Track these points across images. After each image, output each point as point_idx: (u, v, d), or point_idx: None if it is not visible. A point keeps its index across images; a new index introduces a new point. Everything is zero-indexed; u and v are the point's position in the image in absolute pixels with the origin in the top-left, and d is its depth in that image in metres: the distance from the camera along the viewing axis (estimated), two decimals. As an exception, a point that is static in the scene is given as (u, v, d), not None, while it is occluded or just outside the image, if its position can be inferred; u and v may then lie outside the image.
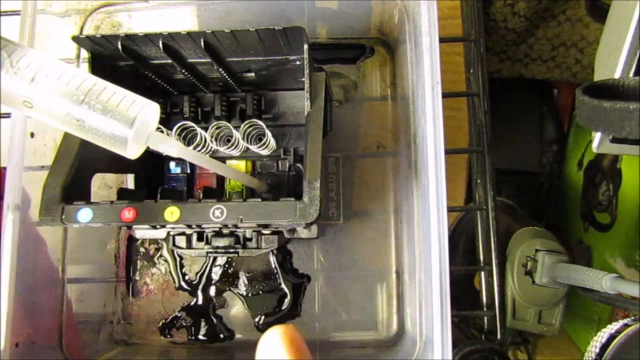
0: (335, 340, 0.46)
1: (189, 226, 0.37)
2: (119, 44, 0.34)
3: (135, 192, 0.41)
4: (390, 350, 0.44)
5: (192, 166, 0.43)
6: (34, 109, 0.24)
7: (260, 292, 0.47)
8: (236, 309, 0.47)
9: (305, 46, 0.34)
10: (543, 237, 0.45)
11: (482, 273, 0.42)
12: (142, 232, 0.41)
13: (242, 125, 0.39)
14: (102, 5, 0.44)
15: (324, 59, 0.49)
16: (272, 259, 0.47)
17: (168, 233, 0.40)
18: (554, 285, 0.43)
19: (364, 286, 0.47)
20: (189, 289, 0.48)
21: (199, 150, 0.39)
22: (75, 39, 0.34)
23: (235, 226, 0.38)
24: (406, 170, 0.42)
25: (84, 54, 0.42)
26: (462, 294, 0.52)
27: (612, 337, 0.34)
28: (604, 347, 0.34)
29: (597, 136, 0.37)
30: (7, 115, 0.39)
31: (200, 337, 0.47)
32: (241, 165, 0.42)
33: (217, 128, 0.39)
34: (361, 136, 0.49)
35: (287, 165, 0.42)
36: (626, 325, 0.34)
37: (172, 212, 0.31)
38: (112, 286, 0.48)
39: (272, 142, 0.40)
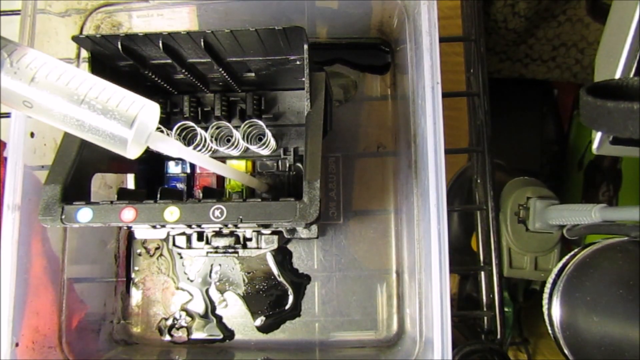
0: (335, 340, 0.46)
1: (189, 226, 0.37)
2: (119, 44, 0.34)
3: (135, 192, 0.41)
4: (390, 350, 0.44)
5: (192, 166, 0.43)
6: (33, 109, 0.24)
7: (260, 292, 0.47)
8: (236, 309, 0.47)
9: (305, 46, 0.34)
10: (534, 185, 0.46)
11: (482, 273, 0.42)
12: (142, 232, 0.41)
13: (242, 125, 0.39)
14: (102, 5, 0.44)
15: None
16: (272, 259, 0.47)
17: (168, 233, 0.40)
18: (548, 230, 0.44)
19: (364, 286, 0.47)
20: (189, 288, 0.48)
21: (199, 150, 0.39)
22: (75, 39, 0.34)
23: (235, 226, 0.38)
24: (406, 170, 0.42)
25: (84, 54, 0.42)
26: (460, 256, 0.52)
27: (571, 258, 0.36)
28: (564, 266, 0.35)
29: (597, 137, 0.37)
30: (7, 115, 0.39)
31: (200, 337, 0.47)
32: (241, 165, 0.42)
33: (217, 128, 0.39)
34: (361, 136, 0.49)
35: (287, 165, 0.42)
36: (584, 248, 0.36)
37: (172, 212, 0.31)
38: (112, 286, 0.48)
39: (272, 142, 0.40)
